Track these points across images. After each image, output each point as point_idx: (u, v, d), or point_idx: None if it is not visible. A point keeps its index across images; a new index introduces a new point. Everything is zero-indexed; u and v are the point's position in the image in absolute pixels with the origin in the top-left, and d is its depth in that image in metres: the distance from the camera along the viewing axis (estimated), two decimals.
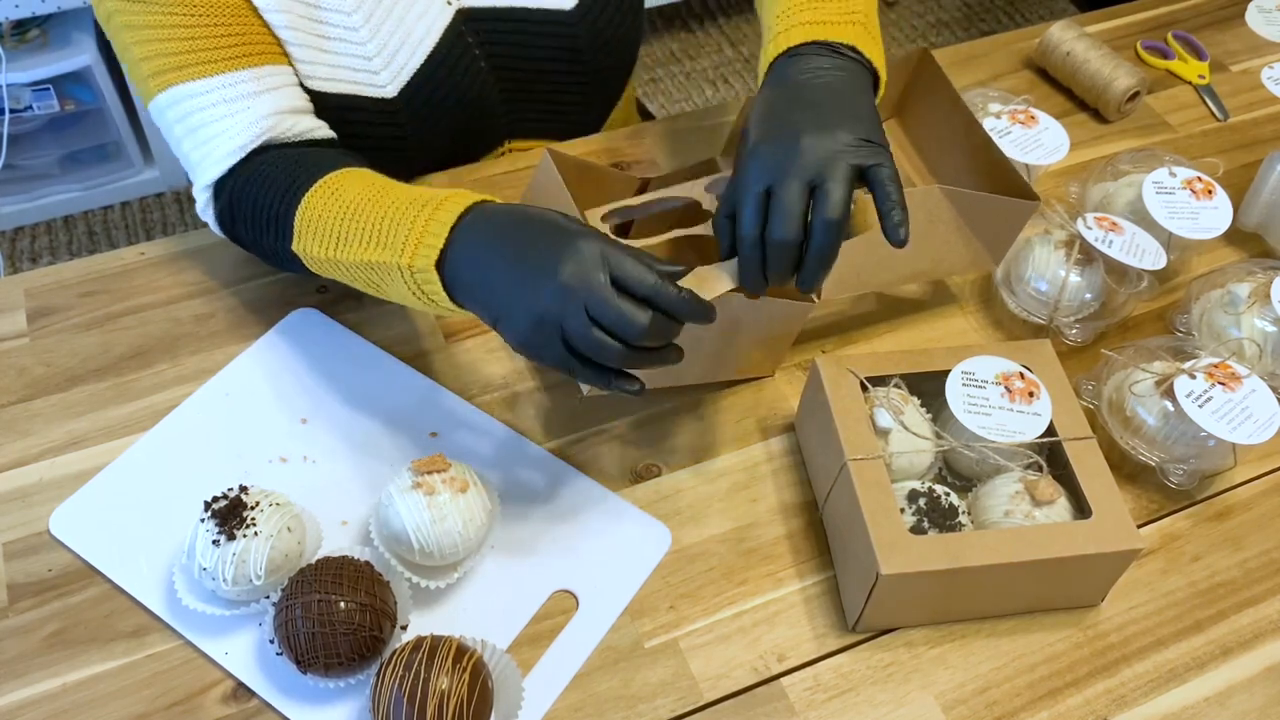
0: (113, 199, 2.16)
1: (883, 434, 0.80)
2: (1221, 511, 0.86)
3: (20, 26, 1.91)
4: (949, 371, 0.82)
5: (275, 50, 0.89)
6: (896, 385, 0.82)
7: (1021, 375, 0.82)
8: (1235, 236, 1.03)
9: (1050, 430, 0.80)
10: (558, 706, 0.74)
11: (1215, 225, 0.97)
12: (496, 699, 0.70)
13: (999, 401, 0.81)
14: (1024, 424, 0.80)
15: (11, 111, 1.92)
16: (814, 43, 0.79)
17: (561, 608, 0.78)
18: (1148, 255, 0.94)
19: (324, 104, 0.93)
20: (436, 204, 0.75)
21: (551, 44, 1.02)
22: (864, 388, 0.81)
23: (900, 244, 0.71)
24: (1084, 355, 0.94)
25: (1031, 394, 0.81)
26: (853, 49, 0.79)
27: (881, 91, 0.82)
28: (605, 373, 0.70)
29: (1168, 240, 0.96)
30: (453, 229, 0.73)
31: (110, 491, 0.82)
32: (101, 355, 0.91)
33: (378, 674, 0.69)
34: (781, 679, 0.76)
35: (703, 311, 0.69)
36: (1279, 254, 1.03)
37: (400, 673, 0.67)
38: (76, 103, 1.99)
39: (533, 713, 0.73)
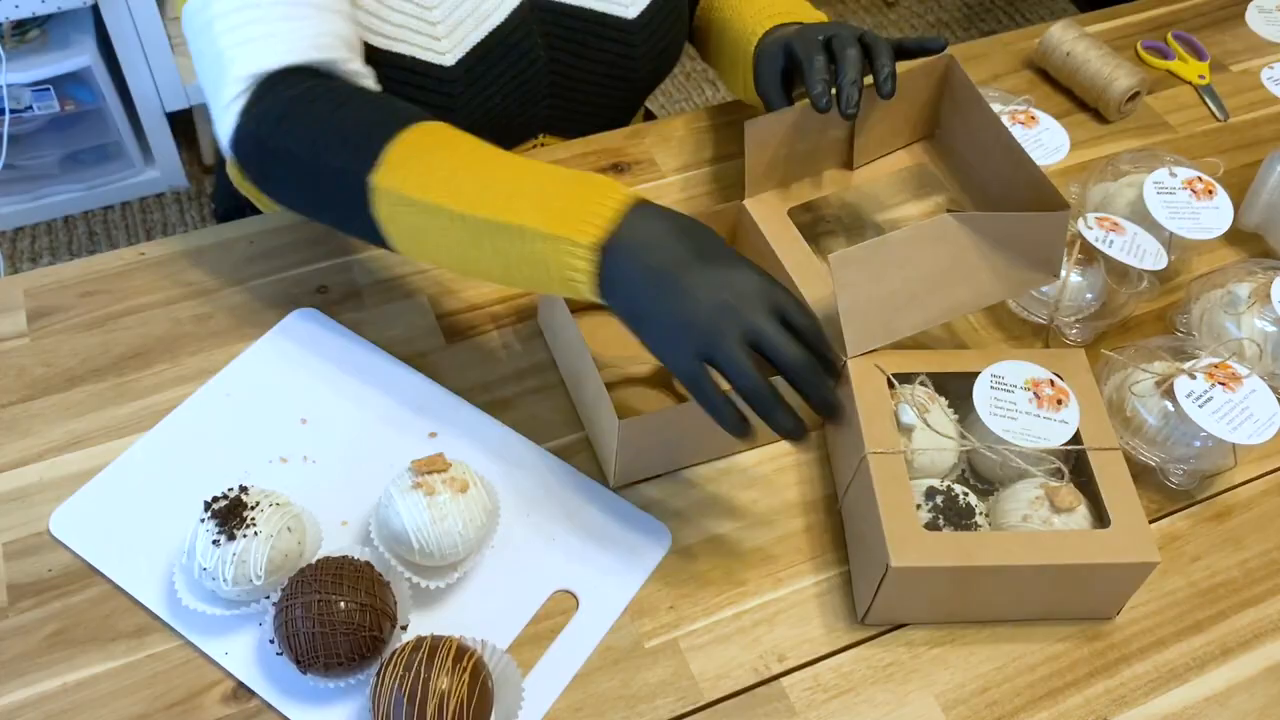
0: (113, 199, 2.16)
1: (906, 430, 0.80)
2: (1221, 511, 0.86)
3: (20, 26, 1.91)
4: (978, 374, 0.82)
5: None
6: (922, 383, 0.82)
7: (1052, 383, 0.82)
8: (1236, 236, 1.03)
9: (1076, 439, 0.80)
10: (558, 706, 0.74)
11: (1216, 225, 0.97)
12: (496, 699, 0.70)
13: (1026, 406, 0.80)
14: (1049, 430, 0.79)
15: (11, 111, 1.92)
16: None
17: (561, 608, 0.78)
18: (1148, 255, 0.94)
19: (380, 62, 0.92)
20: (605, 186, 0.72)
21: (610, 49, 1.03)
22: (890, 384, 0.81)
23: (888, 95, 0.87)
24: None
25: (1060, 401, 0.81)
26: None
27: None
28: (727, 405, 0.69)
29: (1168, 240, 0.96)
30: (624, 215, 0.71)
31: (110, 491, 0.82)
32: (101, 355, 0.91)
33: (378, 674, 0.69)
34: (781, 679, 0.76)
35: (835, 371, 0.72)
36: (1279, 254, 1.03)
37: (400, 673, 0.67)
38: (76, 103, 1.99)
39: (533, 713, 0.73)
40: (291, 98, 0.80)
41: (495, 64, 0.98)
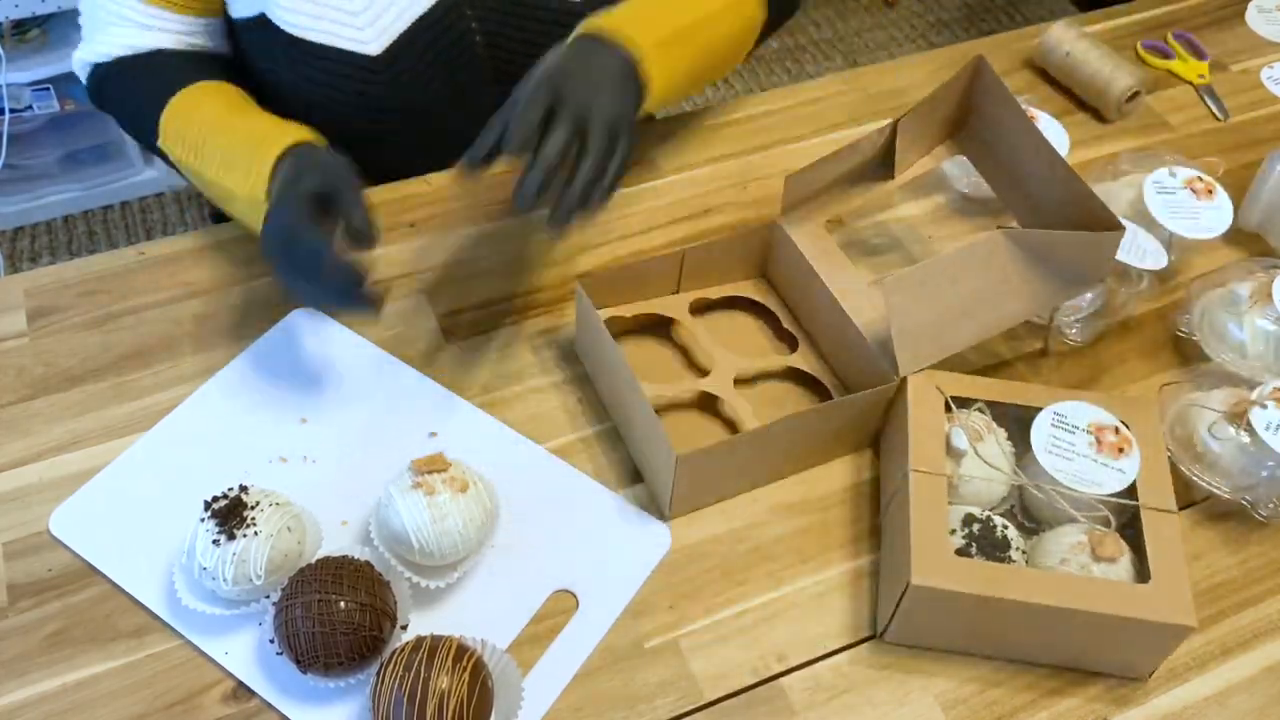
0: (113, 199, 2.16)
1: (956, 455, 0.79)
2: (1222, 512, 0.86)
3: (20, 26, 1.91)
4: (1040, 409, 0.80)
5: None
6: (980, 410, 0.81)
7: (1116, 430, 0.80)
8: (1236, 236, 1.03)
9: (1132, 491, 0.77)
10: (558, 706, 0.74)
11: (1216, 225, 0.97)
12: (496, 699, 0.70)
13: (1085, 450, 0.79)
14: (1104, 477, 0.78)
15: (11, 111, 1.92)
16: (615, 39, 0.85)
17: (561, 608, 0.78)
18: (1148, 255, 0.94)
19: (307, 52, 0.93)
20: (264, 145, 0.87)
21: (555, 32, 1.00)
22: (948, 407, 0.81)
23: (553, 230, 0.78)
24: (1084, 356, 0.94)
25: (1121, 450, 0.79)
26: (639, 63, 0.85)
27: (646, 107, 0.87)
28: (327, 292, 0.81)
29: (1168, 240, 0.96)
30: (273, 166, 0.85)
31: (110, 491, 0.82)
32: (101, 355, 0.91)
33: (378, 674, 0.69)
34: (781, 679, 0.76)
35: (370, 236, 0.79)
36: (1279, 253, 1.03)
37: (400, 673, 0.67)
38: (76, 103, 1.99)
39: (533, 713, 0.73)
40: (110, 80, 0.99)
41: (425, 52, 0.95)
